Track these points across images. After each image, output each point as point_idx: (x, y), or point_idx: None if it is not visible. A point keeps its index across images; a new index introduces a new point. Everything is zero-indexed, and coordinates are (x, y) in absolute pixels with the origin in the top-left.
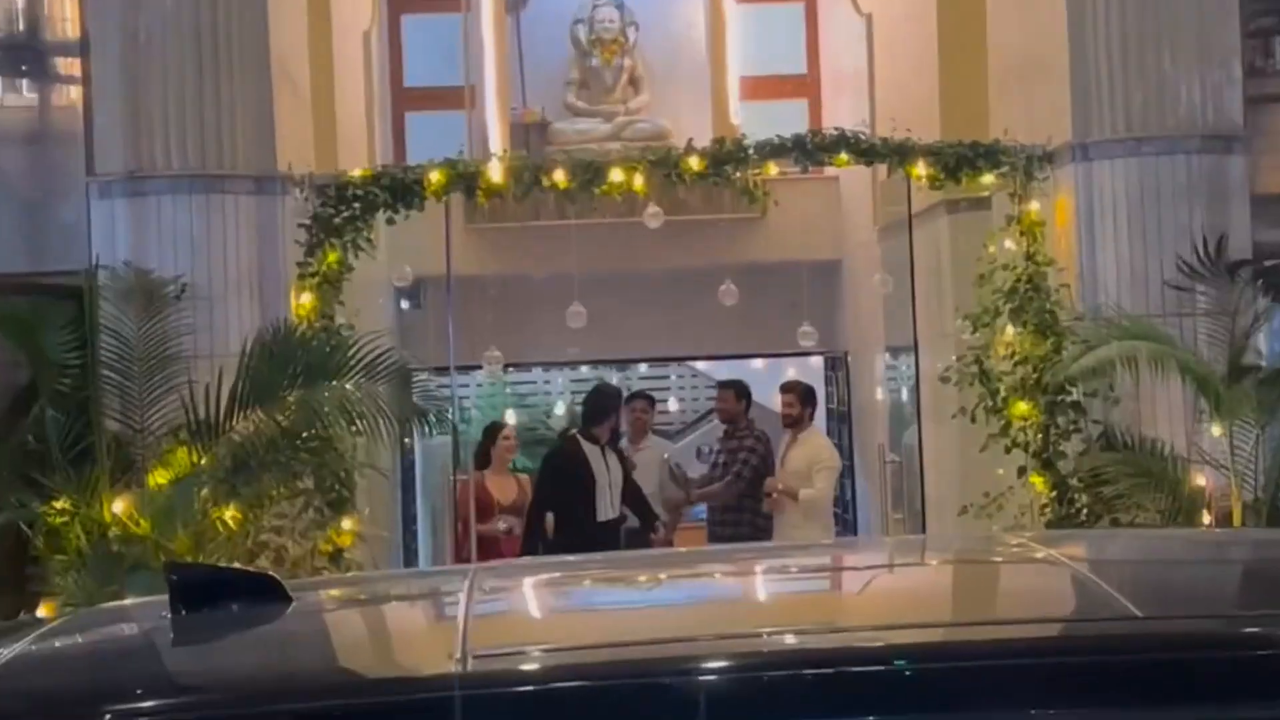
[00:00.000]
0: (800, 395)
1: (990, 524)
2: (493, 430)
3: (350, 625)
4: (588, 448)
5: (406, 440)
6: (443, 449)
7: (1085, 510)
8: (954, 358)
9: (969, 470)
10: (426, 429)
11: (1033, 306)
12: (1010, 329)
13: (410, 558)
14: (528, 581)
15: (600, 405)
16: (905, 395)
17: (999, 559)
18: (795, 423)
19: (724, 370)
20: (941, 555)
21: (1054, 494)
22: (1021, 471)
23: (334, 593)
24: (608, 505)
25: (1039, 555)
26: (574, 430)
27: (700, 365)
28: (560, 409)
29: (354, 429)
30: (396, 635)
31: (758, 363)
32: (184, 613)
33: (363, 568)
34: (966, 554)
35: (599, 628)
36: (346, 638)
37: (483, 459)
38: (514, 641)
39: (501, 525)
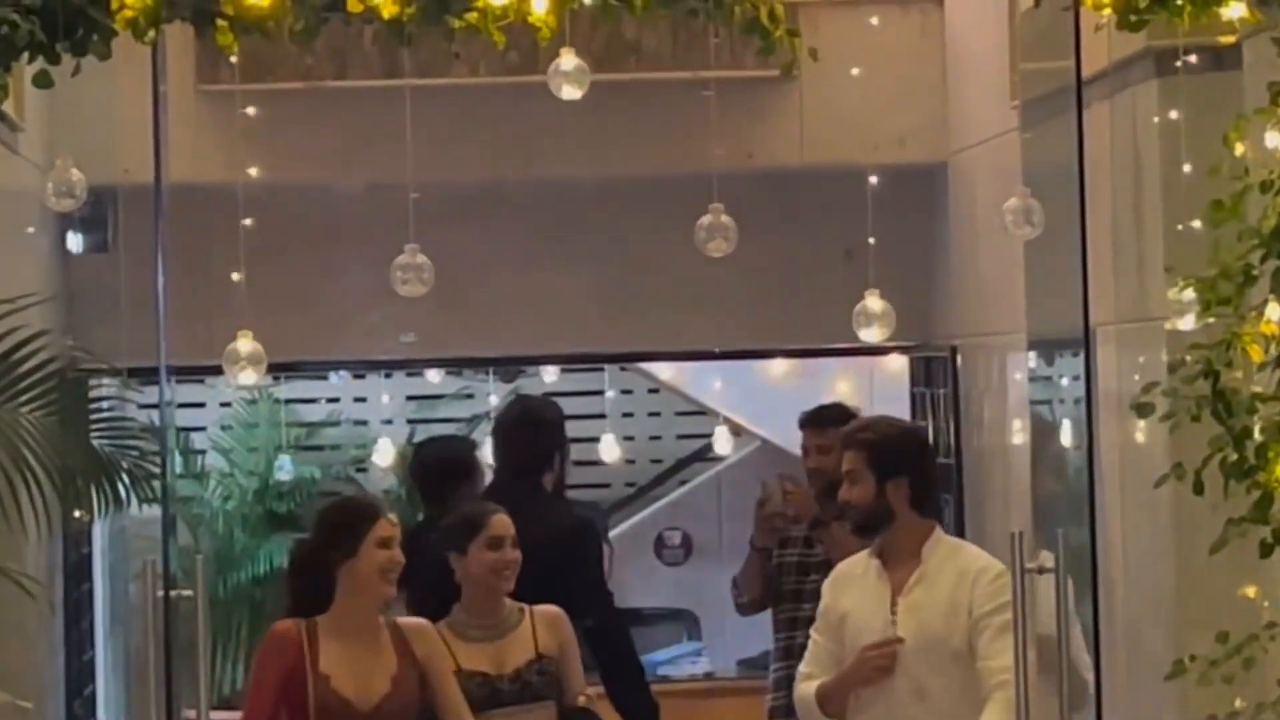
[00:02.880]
0: (877, 455)
1: (1231, 699)
2: (359, 515)
3: None
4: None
5: (79, 515)
6: (150, 529)
7: None
8: (1163, 359)
9: (1192, 589)
10: (117, 494)
11: None
12: (1277, 307)
13: None
14: None
15: (533, 441)
16: (1068, 436)
17: None
18: (878, 521)
19: (718, 381)
20: None
21: None
22: None
23: None
24: None
25: None
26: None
27: (662, 371)
28: (385, 453)
29: None
30: None
31: (778, 368)
32: None
33: None
34: None
35: None
36: None
37: (302, 587)
38: None
39: None
